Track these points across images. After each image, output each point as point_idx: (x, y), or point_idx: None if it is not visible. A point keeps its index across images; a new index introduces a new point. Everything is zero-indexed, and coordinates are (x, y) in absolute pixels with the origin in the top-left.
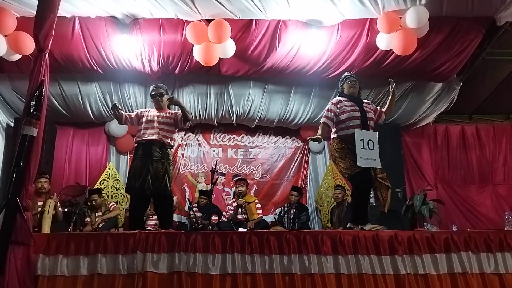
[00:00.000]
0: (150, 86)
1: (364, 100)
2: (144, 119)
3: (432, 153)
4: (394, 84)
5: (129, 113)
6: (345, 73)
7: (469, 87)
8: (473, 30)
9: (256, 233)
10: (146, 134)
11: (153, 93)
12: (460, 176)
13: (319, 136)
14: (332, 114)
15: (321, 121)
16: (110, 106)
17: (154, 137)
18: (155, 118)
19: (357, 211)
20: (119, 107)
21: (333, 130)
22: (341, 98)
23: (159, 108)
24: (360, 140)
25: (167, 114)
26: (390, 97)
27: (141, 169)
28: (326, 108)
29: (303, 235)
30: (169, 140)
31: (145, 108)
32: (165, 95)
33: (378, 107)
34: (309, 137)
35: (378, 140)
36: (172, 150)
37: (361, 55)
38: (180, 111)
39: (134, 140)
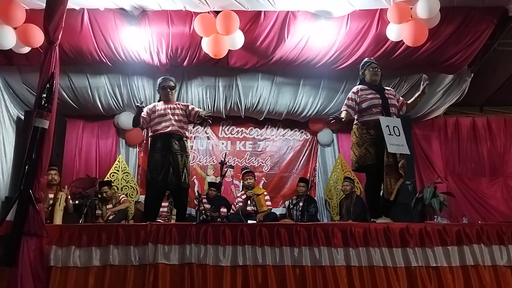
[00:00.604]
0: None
1: (386, 87)
2: (156, 114)
3: (442, 145)
4: (427, 82)
5: (142, 115)
6: (366, 59)
7: (480, 78)
8: (485, 20)
9: (266, 225)
10: (161, 127)
11: (162, 85)
12: (471, 168)
13: (341, 116)
14: (353, 102)
15: (342, 109)
16: (137, 104)
17: (171, 129)
18: (168, 111)
19: (372, 204)
20: (144, 104)
21: (356, 117)
22: (360, 86)
23: (167, 100)
24: (386, 126)
25: (178, 105)
26: (419, 93)
27: (162, 162)
28: (347, 96)
29: (314, 227)
30: (185, 132)
31: (153, 102)
32: (175, 89)
33: (401, 97)
34: (331, 117)
35: None
36: (187, 141)
37: (370, 46)
38: (192, 106)
39: (149, 133)
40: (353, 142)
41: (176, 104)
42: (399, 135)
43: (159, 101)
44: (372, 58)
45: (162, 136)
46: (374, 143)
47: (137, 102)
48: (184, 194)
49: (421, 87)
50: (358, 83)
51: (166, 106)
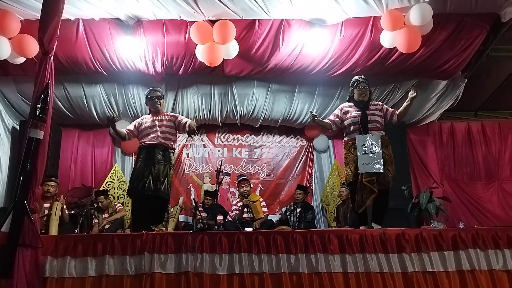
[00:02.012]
0: (154, 87)
1: (373, 102)
2: (143, 126)
3: (438, 150)
4: (415, 95)
5: (128, 127)
6: (356, 77)
7: (474, 84)
8: (478, 26)
9: (262, 232)
10: (148, 139)
11: (150, 96)
12: (466, 173)
13: (324, 121)
14: (337, 118)
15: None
16: (107, 115)
17: (157, 141)
18: (156, 123)
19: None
20: (116, 117)
21: (344, 135)
22: (347, 104)
23: (155, 111)
24: (362, 145)
25: (166, 116)
26: (407, 103)
27: (143, 171)
28: (333, 112)
29: (310, 234)
30: (172, 143)
31: (142, 116)
32: (162, 99)
33: (391, 108)
34: (312, 112)
35: None
36: (174, 154)
37: (365, 53)
38: (181, 117)
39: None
40: (344, 161)
41: (164, 115)
42: (375, 152)
43: (148, 113)
44: (362, 76)
45: (146, 146)
46: (355, 162)
47: (112, 115)
48: (162, 204)
49: (410, 96)
50: (347, 99)
51: (154, 118)
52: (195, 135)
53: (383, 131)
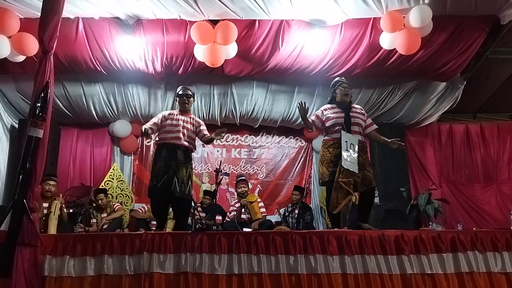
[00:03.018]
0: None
1: (354, 105)
2: (169, 121)
3: (437, 152)
4: (397, 146)
5: (154, 121)
6: (337, 79)
7: (473, 86)
8: (477, 29)
9: (262, 233)
10: (169, 137)
11: (180, 93)
12: (465, 175)
13: (309, 118)
14: (318, 119)
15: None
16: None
17: (178, 142)
18: (180, 122)
19: (331, 217)
20: (149, 131)
21: (323, 135)
22: (329, 105)
23: (183, 110)
24: (345, 142)
25: (191, 120)
26: (386, 141)
27: (165, 171)
28: (315, 112)
29: (309, 235)
30: (192, 146)
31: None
32: (192, 98)
33: (371, 120)
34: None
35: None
36: (193, 154)
37: (364, 55)
38: (203, 126)
39: (154, 141)
40: (319, 160)
41: (190, 117)
42: (354, 153)
43: (177, 109)
44: (342, 77)
45: (168, 146)
46: (332, 161)
47: (148, 131)
48: (187, 205)
49: (390, 142)
50: (328, 101)
51: (181, 117)
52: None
53: (362, 136)
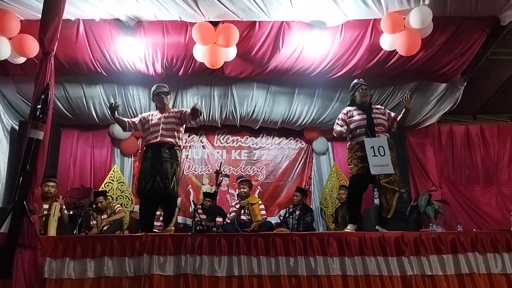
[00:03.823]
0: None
1: (375, 106)
2: (149, 123)
3: (437, 153)
4: (411, 101)
5: (132, 119)
6: (356, 81)
7: (473, 87)
8: (477, 30)
9: (262, 235)
10: (153, 137)
11: (156, 91)
12: (465, 176)
13: (338, 129)
14: (343, 122)
15: (335, 125)
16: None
17: (161, 139)
18: (161, 120)
19: (351, 211)
20: (118, 104)
21: (348, 138)
22: (350, 108)
23: (162, 108)
24: (370, 148)
25: (172, 113)
26: (403, 111)
27: (151, 171)
28: (338, 116)
29: (309, 236)
30: (177, 140)
31: (149, 111)
32: (169, 95)
33: (393, 113)
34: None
35: None
36: (181, 151)
37: (364, 56)
38: (186, 110)
39: (142, 144)
40: (347, 161)
41: (170, 112)
42: (384, 155)
43: (156, 109)
44: (361, 79)
45: (152, 146)
46: (360, 158)
47: (115, 102)
48: (172, 202)
49: (405, 106)
50: (348, 104)
51: (161, 115)
52: (199, 114)
53: (387, 134)
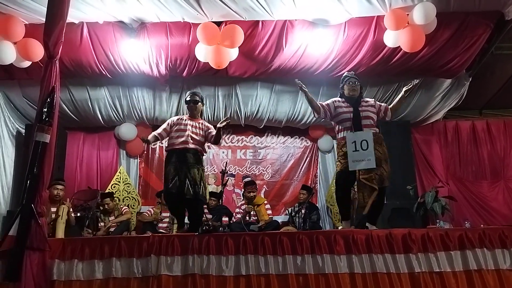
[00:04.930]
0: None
1: (365, 99)
2: (177, 127)
3: (443, 149)
4: (410, 87)
5: (158, 131)
6: (345, 74)
7: (478, 82)
8: (482, 25)
9: (268, 234)
10: (178, 142)
11: (188, 99)
12: (472, 172)
13: (315, 103)
14: (328, 107)
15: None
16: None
17: (187, 146)
18: (188, 128)
19: (341, 209)
20: (150, 140)
21: (336, 130)
22: (338, 98)
23: (192, 116)
24: (352, 143)
25: (200, 125)
26: (400, 95)
27: (177, 174)
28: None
29: (316, 235)
30: (201, 148)
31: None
32: (200, 103)
33: (384, 104)
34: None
35: (387, 138)
36: (204, 156)
37: (368, 53)
38: (213, 129)
39: (165, 147)
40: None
41: (200, 123)
42: (366, 149)
43: (187, 114)
44: (351, 72)
45: (177, 151)
46: (345, 157)
47: (146, 139)
48: (200, 207)
49: (403, 90)
50: (338, 96)
51: (190, 122)
52: (220, 141)
53: (377, 128)
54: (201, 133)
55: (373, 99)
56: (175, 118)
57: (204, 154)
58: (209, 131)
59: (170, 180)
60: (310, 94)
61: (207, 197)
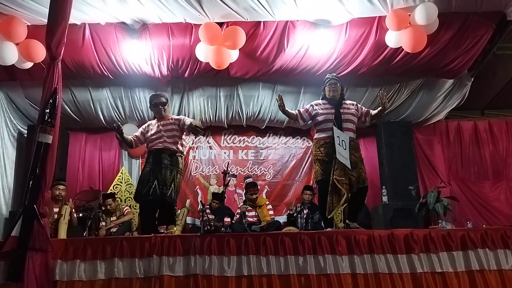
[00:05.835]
0: (160, 90)
1: (347, 101)
2: (149, 133)
3: (445, 149)
4: (385, 100)
5: (135, 135)
6: (327, 75)
7: (480, 82)
8: (483, 25)
9: (270, 234)
10: (154, 144)
11: (154, 102)
12: (474, 172)
13: (288, 111)
14: (306, 113)
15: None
16: (113, 126)
17: (163, 146)
18: (161, 128)
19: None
20: (121, 127)
21: (315, 132)
22: (319, 101)
23: (160, 117)
24: (337, 137)
25: (171, 120)
26: (380, 108)
27: (149, 176)
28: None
29: (318, 235)
30: (178, 146)
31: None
32: (167, 104)
33: (365, 108)
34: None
35: (388, 138)
36: (183, 157)
37: (370, 54)
38: (184, 118)
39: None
40: (311, 159)
41: (169, 119)
42: (345, 149)
43: (153, 118)
44: (333, 74)
45: (153, 152)
46: (325, 161)
47: (117, 124)
48: (169, 209)
49: (382, 102)
50: (321, 98)
51: (159, 123)
52: (199, 133)
53: (355, 133)
54: (174, 127)
55: (355, 102)
56: (144, 126)
57: (182, 153)
58: (181, 121)
59: (145, 183)
60: (286, 108)
61: (209, 197)
